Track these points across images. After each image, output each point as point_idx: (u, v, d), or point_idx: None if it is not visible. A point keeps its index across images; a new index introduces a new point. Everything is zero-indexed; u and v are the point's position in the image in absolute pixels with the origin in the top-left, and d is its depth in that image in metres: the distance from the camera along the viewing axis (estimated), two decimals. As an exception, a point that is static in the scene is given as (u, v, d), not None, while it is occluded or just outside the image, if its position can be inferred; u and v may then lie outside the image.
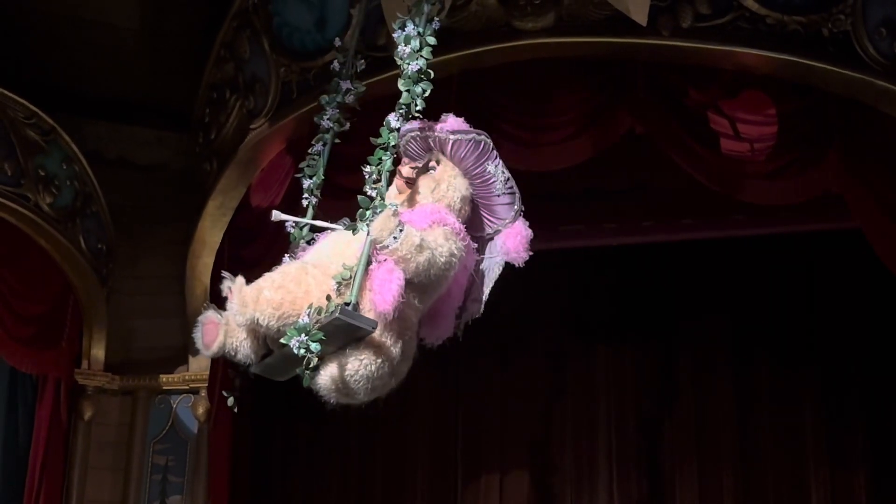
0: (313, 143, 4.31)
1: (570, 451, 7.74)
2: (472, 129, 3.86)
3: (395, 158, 3.83)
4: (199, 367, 7.51)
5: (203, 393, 7.48)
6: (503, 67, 5.83)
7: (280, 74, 6.33)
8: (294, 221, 4.07)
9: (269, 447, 7.95)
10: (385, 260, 3.51)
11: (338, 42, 4.41)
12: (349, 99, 4.31)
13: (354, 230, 3.58)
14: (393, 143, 3.72)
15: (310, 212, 4.18)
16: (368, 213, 3.57)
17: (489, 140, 3.86)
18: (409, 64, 3.76)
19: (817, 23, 5.41)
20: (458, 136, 3.82)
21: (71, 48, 7.47)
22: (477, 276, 3.91)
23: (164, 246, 7.72)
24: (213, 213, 6.95)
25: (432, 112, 5.21)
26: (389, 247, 3.47)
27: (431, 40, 3.81)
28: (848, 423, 7.34)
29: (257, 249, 6.91)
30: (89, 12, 7.27)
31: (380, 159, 3.74)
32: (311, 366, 3.42)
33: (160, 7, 7.25)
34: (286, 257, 4.01)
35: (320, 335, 3.40)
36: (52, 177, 7.09)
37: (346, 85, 4.31)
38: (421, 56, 3.76)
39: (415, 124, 3.86)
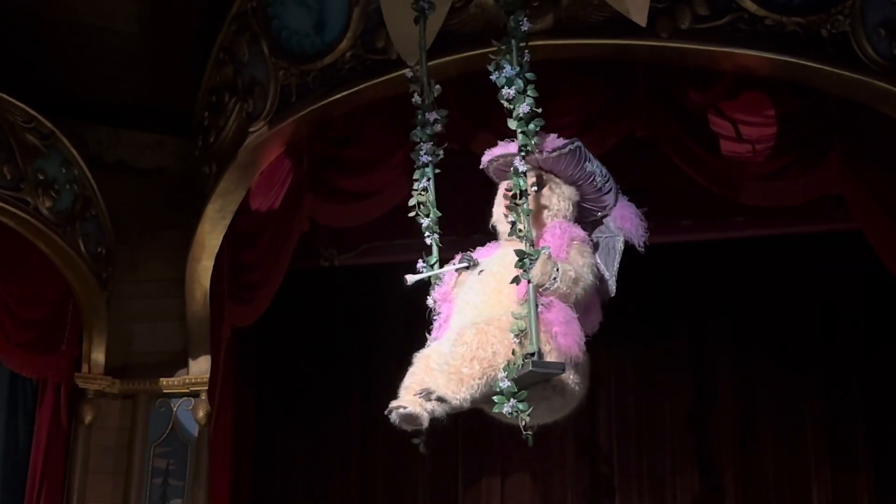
0: (416, 178, 4.39)
1: (570, 450, 7.73)
2: (565, 140, 4.11)
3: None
4: (199, 370, 7.51)
5: (203, 396, 7.47)
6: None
7: (279, 77, 6.33)
8: (431, 274, 4.21)
9: (269, 450, 7.95)
10: (551, 301, 3.81)
11: (409, 73, 4.47)
12: (437, 128, 4.40)
13: (517, 281, 3.77)
14: (524, 188, 3.88)
15: (434, 250, 4.30)
16: (527, 261, 3.76)
17: (581, 144, 4.12)
18: (517, 106, 3.92)
19: (816, 24, 5.41)
20: (558, 152, 4.06)
21: (70, 52, 7.48)
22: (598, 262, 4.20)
23: (164, 249, 7.73)
24: (212, 217, 6.95)
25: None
26: (551, 288, 3.80)
27: (531, 76, 3.97)
28: (849, 422, 7.33)
29: (257, 252, 6.93)
30: (89, 17, 7.28)
31: (516, 205, 3.89)
32: (526, 425, 3.72)
33: (159, 11, 7.26)
34: (429, 300, 4.19)
35: (524, 394, 3.67)
36: (52, 181, 7.09)
37: (432, 116, 4.39)
38: (528, 95, 3.92)
39: (500, 150, 4.11)
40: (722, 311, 7.60)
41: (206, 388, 7.42)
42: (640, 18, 5.14)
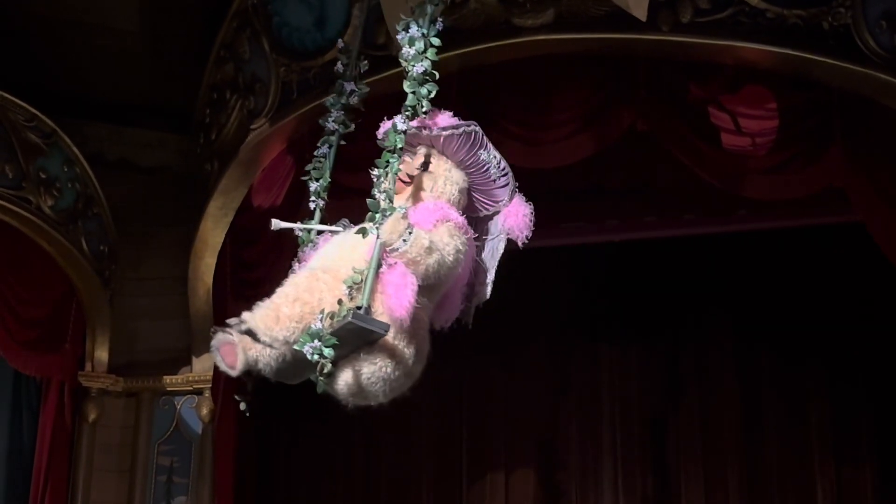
0: (319, 145, 4.33)
1: (575, 448, 7.74)
2: (461, 121, 3.93)
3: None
4: (202, 367, 7.51)
5: (207, 394, 7.48)
6: (503, 65, 5.82)
7: (280, 74, 6.33)
8: (298, 227, 4.09)
9: (273, 447, 7.95)
10: (395, 263, 3.56)
11: (340, 44, 4.44)
12: (353, 100, 4.33)
13: (364, 233, 3.59)
14: (400, 146, 3.75)
15: (317, 214, 4.20)
16: (378, 216, 3.59)
17: (478, 129, 3.93)
18: (413, 66, 3.80)
19: (817, 16, 5.40)
20: (449, 131, 3.87)
21: (72, 51, 7.48)
22: (481, 259, 3.98)
23: (167, 247, 7.73)
24: (214, 214, 6.94)
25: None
26: (399, 249, 3.54)
27: (436, 41, 3.85)
28: (854, 419, 7.33)
29: (259, 249, 6.92)
30: (89, 15, 7.27)
31: (387, 162, 3.76)
32: (325, 371, 3.45)
33: (160, 9, 7.25)
34: (294, 262, 4.04)
35: (333, 340, 3.42)
36: (54, 179, 7.09)
37: (350, 86, 4.33)
38: (426, 57, 3.80)
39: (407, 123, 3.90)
40: (724, 306, 7.60)
41: (210, 385, 7.42)
42: (641, 13, 5.14)
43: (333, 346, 3.42)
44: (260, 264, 6.94)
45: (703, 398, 7.65)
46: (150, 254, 7.84)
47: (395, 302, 3.51)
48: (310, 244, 4.08)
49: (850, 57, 5.39)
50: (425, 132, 3.89)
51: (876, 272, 6.85)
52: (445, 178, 3.91)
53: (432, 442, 7.94)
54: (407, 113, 3.78)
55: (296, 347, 3.47)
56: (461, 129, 3.90)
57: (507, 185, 4.00)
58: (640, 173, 6.85)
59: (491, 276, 3.99)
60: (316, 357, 3.42)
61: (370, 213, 3.62)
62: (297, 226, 4.10)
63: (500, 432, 7.84)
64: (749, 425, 7.50)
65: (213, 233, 7.04)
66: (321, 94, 6.16)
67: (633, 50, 5.71)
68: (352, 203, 6.50)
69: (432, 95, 3.78)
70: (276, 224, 4.03)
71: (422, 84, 3.79)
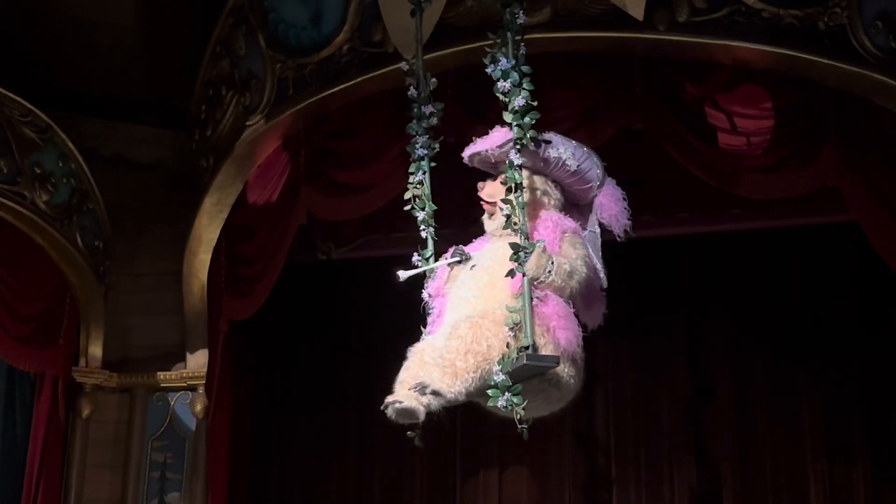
0: (412, 171, 4.36)
1: (567, 443, 7.74)
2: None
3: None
4: (196, 364, 7.51)
5: (201, 390, 7.47)
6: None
7: (276, 71, 6.32)
8: (424, 269, 4.19)
9: (267, 444, 7.95)
10: (546, 294, 3.80)
11: (405, 66, 4.45)
12: (434, 122, 4.37)
13: (512, 274, 3.75)
14: (520, 181, 3.86)
15: (430, 243, 4.28)
16: (522, 254, 3.75)
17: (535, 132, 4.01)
18: (513, 99, 3.89)
19: (813, 16, 5.41)
20: (509, 146, 3.96)
21: (67, 46, 7.47)
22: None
23: (161, 243, 7.72)
24: (209, 210, 6.94)
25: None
26: (546, 281, 3.79)
27: (527, 69, 3.94)
28: (847, 416, 7.33)
29: (254, 246, 6.93)
30: (85, 11, 7.27)
31: (512, 198, 3.86)
32: (522, 417, 3.71)
33: (156, 4, 7.25)
34: (424, 294, 4.18)
35: (519, 388, 3.67)
36: (49, 174, 7.09)
37: (428, 109, 4.36)
38: (523, 88, 3.90)
39: (475, 148, 4.09)
40: (719, 304, 7.60)
41: (204, 381, 7.42)
42: (637, 11, 5.15)
43: (520, 393, 3.66)
44: (255, 261, 6.94)
45: (695, 395, 7.65)
46: (145, 250, 7.84)
47: (564, 336, 3.77)
48: (432, 273, 4.21)
49: (845, 57, 5.40)
50: (487, 153, 4.04)
51: (870, 271, 6.86)
52: (529, 189, 4.03)
53: (426, 440, 7.93)
54: (517, 146, 3.88)
55: (489, 405, 3.69)
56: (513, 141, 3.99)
57: (592, 168, 4.17)
58: (636, 171, 6.83)
59: (600, 265, 4.20)
60: (510, 407, 3.66)
61: (512, 253, 3.76)
62: (423, 269, 4.19)
63: (493, 431, 7.84)
64: (742, 422, 7.51)
65: (207, 229, 7.04)
66: (317, 90, 6.17)
67: (630, 48, 5.72)
68: (347, 199, 6.55)
69: (534, 123, 3.88)
70: (404, 275, 4.12)
71: (524, 115, 3.88)
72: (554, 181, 4.13)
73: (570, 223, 4.04)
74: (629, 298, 7.68)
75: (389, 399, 3.78)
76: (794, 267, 7.44)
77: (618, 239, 4.25)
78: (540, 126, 5.91)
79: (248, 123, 6.49)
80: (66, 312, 7.40)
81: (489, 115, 5.58)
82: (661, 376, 7.72)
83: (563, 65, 5.87)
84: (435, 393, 3.71)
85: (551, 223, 4.00)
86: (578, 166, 4.13)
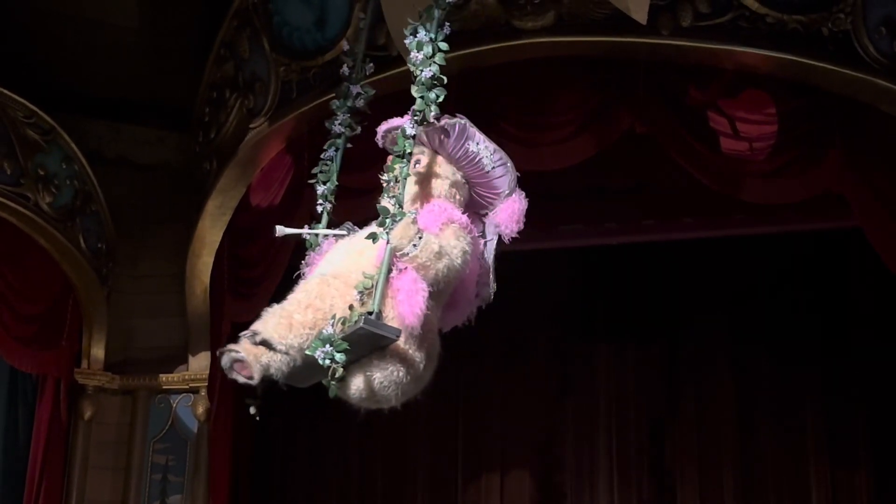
0: (325, 147, 4.31)
1: (571, 450, 7.74)
2: (448, 116, 3.87)
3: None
4: (198, 366, 7.51)
5: (203, 392, 7.47)
6: (503, 67, 5.82)
7: (280, 73, 6.33)
8: (304, 232, 4.07)
9: (269, 446, 7.95)
10: (405, 268, 3.56)
11: (345, 46, 4.43)
12: (359, 103, 4.32)
13: (374, 238, 3.57)
14: (409, 150, 3.72)
15: (324, 218, 4.18)
16: (388, 220, 3.57)
17: (463, 121, 3.87)
18: (422, 70, 3.79)
19: (817, 22, 5.41)
20: (429, 128, 3.82)
21: (71, 48, 7.47)
22: (483, 259, 3.94)
23: (164, 245, 7.73)
24: (212, 213, 6.94)
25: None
26: (409, 254, 3.54)
27: (444, 46, 3.83)
28: (849, 422, 7.34)
29: (257, 248, 6.92)
30: (89, 12, 7.27)
31: (396, 167, 3.73)
32: (337, 376, 3.45)
33: (160, 6, 7.25)
34: (301, 265, 4.03)
35: (345, 345, 3.43)
36: (52, 176, 7.09)
37: (355, 89, 4.32)
38: (434, 62, 3.79)
39: (391, 123, 3.90)
40: (721, 309, 7.60)
41: (206, 384, 7.42)
42: (641, 16, 5.14)
43: (345, 352, 3.43)
44: (257, 263, 6.94)
45: (699, 401, 7.65)
46: (148, 252, 7.83)
47: (406, 308, 3.50)
48: (316, 247, 4.07)
49: (849, 63, 5.40)
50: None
51: (872, 276, 6.86)
52: (436, 175, 3.88)
53: (428, 443, 7.94)
54: (416, 118, 3.76)
55: (307, 352, 3.46)
56: (444, 122, 3.85)
57: (504, 175, 3.94)
58: (639, 176, 6.86)
59: (492, 277, 3.94)
60: (327, 362, 3.42)
61: (380, 217, 3.59)
62: (302, 231, 4.07)
63: (495, 434, 7.84)
64: (745, 428, 7.50)
65: (210, 231, 7.04)
66: (321, 93, 6.16)
67: (633, 53, 5.72)
68: (353, 203, 6.55)
69: (440, 100, 3.76)
70: (281, 230, 4.00)
71: (430, 89, 3.78)
72: (464, 178, 3.92)
73: (461, 217, 3.78)
74: (631, 302, 7.72)
75: (227, 347, 3.59)
76: (796, 272, 7.44)
77: (504, 241, 3.94)
78: (541, 130, 5.96)
79: (251, 126, 6.50)
80: (69, 314, 7.40)
81: (492, 120, 5.60)
82: (659, 380, 7.72)
83: (566, 69, 5.88)
84: (265, 343, 3.52)
85: (438, 208, 3.77)
86: (492, 169, 3.91)
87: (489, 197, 3.97)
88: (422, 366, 3.65)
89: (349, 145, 4.28)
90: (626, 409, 7.72)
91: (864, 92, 5.49)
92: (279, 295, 6.95)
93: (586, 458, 7.72)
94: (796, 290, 7.45)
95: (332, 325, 3.44)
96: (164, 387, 7.63)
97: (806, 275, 7.43)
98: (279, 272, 6.80)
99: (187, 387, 7.58)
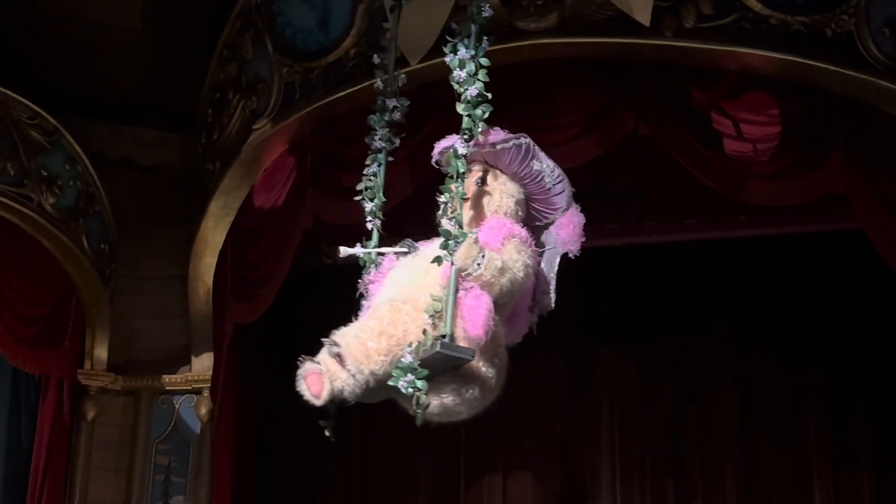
0: (367, 163, 4.30)
1: (573, 451, 7.73)
2: (510, 134, 3.94)
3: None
4: (201, 367, 7.52)
5: (206, 393, 7.48)
6: (506, 68, 5.80)
7: (283, 75, 6.33)
8: (363, 252, 4.11)
9: (271, 447, 7.95)
10: (471, 287, 3.63)
11: (377, 59, 4.42)
12: (396, 116, 4.30)
13: (439, 262, 3.63)
14: (462, 171, 3.76)
15: (375, 235, 4.20)
16: (451, 243, 3.63)
17: (529, 140, 3.96)
18: (466, 89, 3.80)
19: (820, 23, 5.41)
20: (501, 146, 3.90)
21: (74, 49, 7.49)
22: (540, 269, 4.04)
23: (167, 246, 7.73)
24: (215, 214, 6.95)
25: (436, 111, 5.22)
26: (474, 273, 3.62)
27: (485, 61, 3.84)
28: (851, 423, 7.33)
29: (260, 250, 6.93)
30: (92, 13, 7.29)
31: (452, 187, 3.75)
32: (422, 403, 3.53)
33: (163, 8, 7.27)
34: (360, 284, 4.07)
35: (425, 372, 3.50)
36: (55, 177, 7.10)
37: (392, 103, 4.30)
38: (478, 79, 3.81)
39: (445, 143, 3.95)
40: (723, 311, 7.59)
41: (209, 385, 7.43)
42: (644, 17, 5.14)
43: (426, 378, 3.51)
44: (260, 264, 6.94)
45: (701, 402, 7.64)
46: (151, 253, 7.85)
47: (471, 323, 3.58)
48: (373, 265, 4.10)
49: (852, 64, 5.40)
50: (477, 149, 3.91)
51: (875, 278, 6.85)
52: (501, 192, 3.95)
53: (430, 443, 7.93)
54: (465, 136, 3.78)
55: (390, 383, 3.53)
56: (511, 143, 3.93)
57: (563, 191, 4.05)
58: (642, 177, 6.85)
59: (553, 286, 4.07)
60: (411, 391, 3.49)
61: (442, 241, 3.64)
62: (362, 251, 4.10)
63: (498, 434, 7.84)
64: (747, 430, 7.50)
65: (213, 232, 7.05)
66: (324, 94, 6.18)
67: (636, 54, 5.72)
68: (353, 204, 6.55)
69: (486, 116, 3.79)
70: (344, 251, 4.05)
71: (476, 106, 3.80)
72: (520, 191, 4.01)
73: (521, 231, 3.89)
74: (633, 304, 7.71)
75: (307, 359, 3.62)
76: (799, 274, 7.43)
77: (570, 257, 4.08)
78: (544, 131, 5.95)
79: (254, 127, 6.50)
80: (72, 315, 7.41)
81: (495, 121, 5.59)
82: (662, 383, 7.71)
83: (569, 70, 5.87)
84: (339, 357, 3.55)
85: (497, 224, 3.87)
86: (552, 186, 4.03)
87: (546, 212, 4.09)
88: (493, 381, 3.76)
89: (390, 159, 4.26)
90: (627, 410, 7.70)
91: (867, 93, 5.48)
92: (281, 296, 7.00)
93: (588, 458, 7.71)
94: (799, 292, 7.44)
95: (410, 353, 3.51)
96: (167, 388, 7.64)
97: (809, 276, 7.42)
98: (282, 273, 6.81)
99: (190, 388, 7.59)
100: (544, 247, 4.09)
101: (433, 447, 7.93)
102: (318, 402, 3.65)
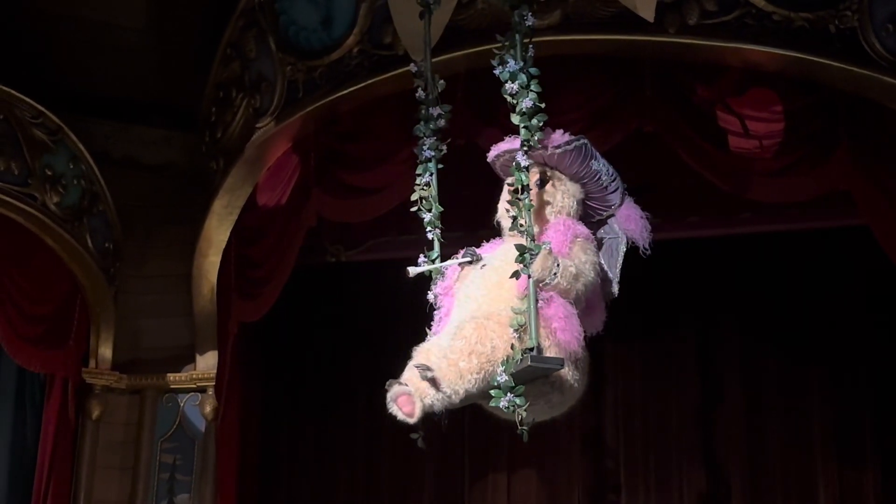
0: (419, 173, 4.32)
1: (577, 446, 7.73)
2: (570, 136, 4.07)
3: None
4: (206, 365, 7.52)
5: (210, 391, 7.48)
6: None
7: (286, 73, 6.33)
8: (431, 268, 4.16)
9: (276, 445, 7.96)
10: (551, 296, 3.77)
11: (414, 68, 4.42)
12: (441, 123, 4.32)
13: (517, 276, 3.73)
14: (527, 183, 3.84)
15: (436, 245, 4.24)
16: (527, 256, 3.72)
17: (587, 141, 4.09)
18: (520, 101, 3.87)
19: (824, 19, 5.40)
20: (563, 149, 4.03)
21: (78, 48, 7.49)
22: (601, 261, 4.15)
23: (171, 245, 7.74)
24: (219, 212, 6.95)
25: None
26: (551, 283, 3.76)
27: (534, 71, 3.91)
28: (856, 420, 7.33)
29: (264, 248, 6.93)
30: (95, 12, 7.29)
31: (519, 200, 3.83)
32: (524, 419, 3.65)
33: (166, 6, 7.26)
34: (431, 294, 4.13)
35: (522, 389, 3.63)
36: (59, 176, 7.10)
37: (435, 111, 4.33)
38: (531, 90, 3.87)
39: (507, 145, 4.05)
40: (728, 308, 7.59)
41: (214, 383, 7.43)
42: (648, 14, 5.13)
43: (523, 395, 3.62)
44: (264, 263, 6.95)
45: (705, 399, 7.64)
46: (155, 251, 7.85)
47: (565, 337, 3.73)
48: (439, 276, 4.16)
49: (856, 60, 5.39)
50: (539, 151, 4.00)
51: (880, 274, 6.84)
52: (563, 193, 4.08)
53: (435, 444, 7.91)
54: (524, 148, 3.85)
55: (492, 404, 3.65)
56: (573, 145, 4.05)
57: (617, 189, 4.19)
58: (645, 174, 6.83)
59: (615, 274, 4.21)
60: (512, 409, 3.62)
61: (519, 255, 3.72)
62: (430, 267, 4.16)
63: (502, 431, 7.83)
64: (751, 425, 7.50)
65: (217, 231, 7.05)
66: (327, 93, 6.18)
67: (640, 51, 5.71)
68: (357, 202, 6.56)
69: (542, 125, 3.86)
70: (414, 270, 4.10)
71: (531, 117, 3.86)
72: (580, 191, 4.15)
73: (582, 229, 4.05)
74: (639, 302, 7.70)
75: (394, 381, 3.72)
76: (804, 270, 7.42)
77: (642, 254, 4.25)
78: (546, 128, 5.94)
79: (258, 126, 6.51)
80: (76, 314, 7.41)
81: (499, 118, 5.59)
82: (670, 380, 7.71)
83: (573, 67, 5.87)
84: (433, 381, 3.67)
85: (563, 227, 4.00)
86: (609, 183, 4.17)
87: (601, 209, 4.24)
88: (579, 383, 3.90)
89: (441, 166, 4.28)
90: (630, 407, 7.70)
91: (871, 89, 5.47)
92: (285, 295, 7.01)
93: (591, 455, 7.71)
94: (804, 289, 7.43)
95: (505, 372, 3.63)
96: (172, 386, 7.64)
97: (813, 273, 7.42)
98: (286, 272, 6.82)
99: (195, 386, 7.59)
100: (602, 241, 4.22)
101: (438, 445, 7.93)
102: (412, 421, 3.77)
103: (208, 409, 7.50)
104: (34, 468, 7.22)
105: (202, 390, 7.56)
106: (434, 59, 4.58)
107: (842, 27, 5.40)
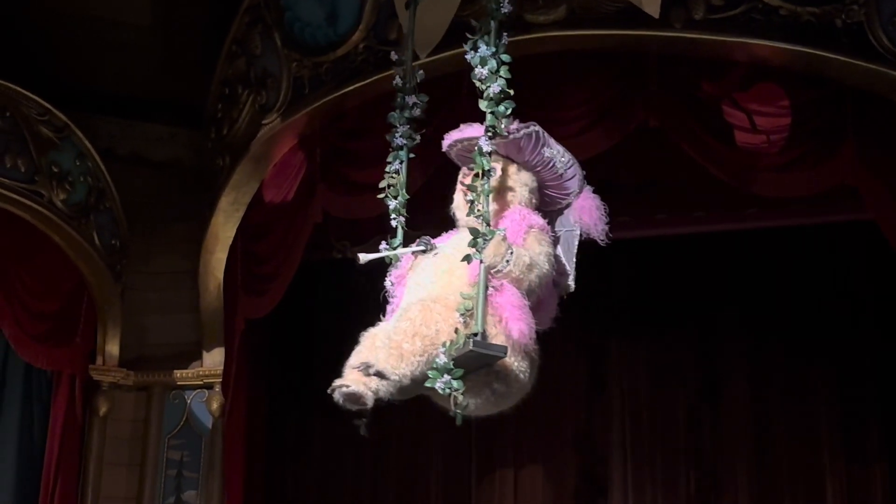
0: (389, 160, 4.30)
1: (586, 444, 7.73)
2: (520, 124, 3.95)
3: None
4: (213, 362, 7.53)
5: (217, 388, 7.49)
6: (514, 61, 5.79)
7: (292, 69, 6.33)
8: (386, 255, 4.13)
9: (283, 442, 7.96)
10: (502, 284, 3.67)
11: (394, 56, 4.42)
12: (416, 112, 4.30)
13: (469, 259, 3.66)
14: (488, 168, 3.78)
15: (399, 232, 4.22)
16: (480, 241, 3.65)
17: (538, 127, 3.97)
18: (489, 86, 3.81)
19: (831, 14, 5.39)
20: (512, 136, 3.90)
21: (83, 45, 7.49)
22: (558, 253, 4.04)
23: (178, 242, 7.74)
24: (225, 209, 6.96)
25: (443, 105, 5.21)
26: (503, 270, 3.66)
27: (506, 58, 3.85)
28: (863, 416, 7.31)
29: (270, 244, 6.94)
30: (101, 10, 7.29)
31: (478, 185, 3.77)
32: (460, 403, 3.56)
33: (172, 4, 7.26)
34: (387, 282, 4.11)
35: (461, 372, 3.53)
36: (66, 173, 7.11)
37: (411, 99, 4.31)
38: (500, 76, 3.81)
39: (458, 134, 3.98)
40: (734, 304, 7.58)
41: (220, 380, 7.44)
42: (653, 9, 5.13)
43: (461, 378, 3.53)
44: (270, 259, 6.95)
45: (713, 395, 7.63)
46: (162, 248, 7.86)
47: (517, 326, 3.63)
48: (397, 262, 4.13)
49: (863, 54, 5.38)
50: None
51: (887, 270, 6.83)
52: (514, 181, 3.98)
53: (442, 439, 7.94)
54: (489, 133, 3.79)
55: (427, 385, 3.56)
56: (522, 133, 3.94)
57: (574, 175, 4.08)
58: (651, 170, 6.84)
59: (571, 268, 4.08)
60: (448, 391, 3.52)
61: (472, 239, 3.66)
62: (385, 254, 4.13)
63: (509, 430, 7.84)
64: (758, 421, 7.49)
65: (224, 227, 7.05)
66: (333, 89, 6.18)
67: (645, 46, 5.70)
68: (363, 198, 6.55)
69: (510, 112, 3.80)
70: (365, 257, 4.08)
71: (499, 103, 3.80)
72: (537, 183, 4.05)
73: (538, 219, 3.93)
74: (642, 297, 7.70)
75: (336, 383, 3.68)
76: (810, 266, 7.41)
77: (600, 243, 4.11)
78: (553, 124, 5.93)
79: (264, 122, 6.51)
80: (83, 311, 7.42)
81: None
82: (674, 376, 7.70)
83: (578, 63, 5.86)
84: (379, 374, 3.61)
85: (518, 216, 3.90)
86: (564, 171, 4.05)
87: (559, 197, 4.11)
88: (527, 375, 3.78)
89: (412, 155, 4.27)
90: (636, 404, 7.69)
91: (878, 84, 5.46)
92: (292, 291, 7.00)
93: (598, 454, 7.70)
94: (810, 284, 7.42)
95: (444, 354, 3.53)
96: (179, 383, 7.65)
97: (820, 268, 7.41)
98: (292, 268, 6.82)
99: (202, 382, 7.60)
100: (558, 231, 4.10)
101: (445, 443, 7.93)
102: (367, 408, 3.72)
103: (215, 405, 7.51)
104: (42, 465, 7.23)
105: (209, 387, 7.57)
106: (439, 55, 4.59)
107: (848, 21, 5.39)
